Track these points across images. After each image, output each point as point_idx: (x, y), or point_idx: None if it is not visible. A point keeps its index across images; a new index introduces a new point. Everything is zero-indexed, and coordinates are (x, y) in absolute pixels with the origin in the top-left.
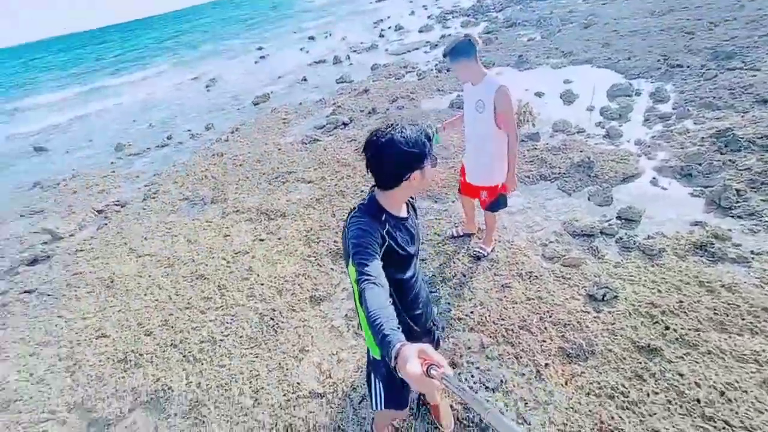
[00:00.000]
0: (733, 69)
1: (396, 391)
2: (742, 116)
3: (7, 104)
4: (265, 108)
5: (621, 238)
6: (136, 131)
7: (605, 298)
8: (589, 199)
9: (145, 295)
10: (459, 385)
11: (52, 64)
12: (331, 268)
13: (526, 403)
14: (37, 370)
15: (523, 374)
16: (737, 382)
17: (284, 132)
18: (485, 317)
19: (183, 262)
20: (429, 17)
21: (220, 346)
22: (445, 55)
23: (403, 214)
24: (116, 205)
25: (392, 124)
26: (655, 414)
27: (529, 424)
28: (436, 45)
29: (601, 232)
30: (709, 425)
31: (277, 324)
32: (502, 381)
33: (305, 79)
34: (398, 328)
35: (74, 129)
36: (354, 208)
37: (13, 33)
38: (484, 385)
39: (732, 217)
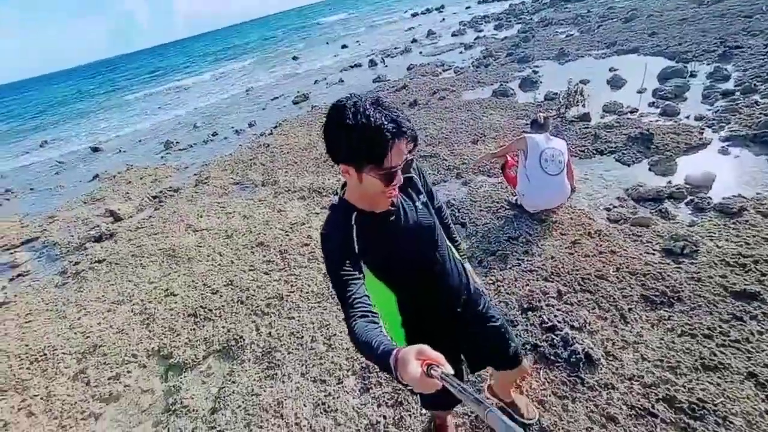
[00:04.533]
0: None
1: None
2: None
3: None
4: (305, 106)
5: (693, 201)
6: (182, 132)
7: (684, 252)
8: (650, 169)
9: (207, 261)
10: (459, 383)
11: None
12: None
13: (614, 343)
14: (115, 323)
15: (606, 318)
16: None
17: None
18: (558, 268)
19: (241, 233)
20: (461, 23)
21: (287, 301)
22: None
23: (383, 207)
24: (170, 190)
25: (359, 98)
26: (763, 351)
27: (621, 360)
28: (470, 46)
29: (670, 197)
30: None
31: None
32: (586, 321)
33: (342, 81)
34: (387, 337)
35: (125, 134)
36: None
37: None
38: (567, 323)
39: None
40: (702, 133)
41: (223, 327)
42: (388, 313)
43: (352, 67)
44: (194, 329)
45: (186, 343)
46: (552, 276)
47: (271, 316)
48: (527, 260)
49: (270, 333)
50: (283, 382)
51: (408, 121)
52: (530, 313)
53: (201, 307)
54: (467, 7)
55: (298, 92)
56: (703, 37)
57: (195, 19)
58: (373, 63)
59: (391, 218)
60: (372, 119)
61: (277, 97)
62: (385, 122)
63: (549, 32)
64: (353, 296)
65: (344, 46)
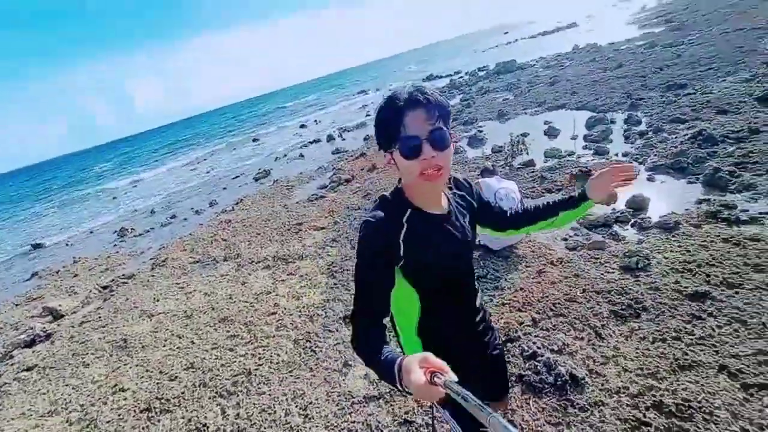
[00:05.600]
0: (689, 95)
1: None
2: (710, 123)
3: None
4: (266, 182)
5: (636, 222)
6: (138, 218)
7: (639, 266)
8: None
9: (164, 346)
10: (462, 391)
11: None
12: None
13: (594, 360)
14: None
15: (582, 338)
16: None
17: (289, 196)
18: (529, 298)
19: (202, 311)
20: None
21: (255, 375)
22: None
23: (439, 210)
24: (123, 278)
25: (420, 87)
26: (727, 343)
27: (605, 376)
28: None
29: (616, 221)
30: None
31: (314, 345)
32: (564, 344)
33: (302, 156)
34: (392, 349)
35: (74, 229)
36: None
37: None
38: (547, 347)
39: (731, 192)
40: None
41: (183, 417)
42: (408, 318)
43: (311, 143)
44: (147, 427)
45: None
46: (524, 306)
47: (238, 396)
48: (498, 294)
49: (238, 414)
50: None
51: (432, 95)
52: (509, 344)
53: (156, 398)
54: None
55: (260, 169)
56: (613, 93)
57: (155, 114)
58: (331, 138)
59: (444, 222)
60: (392, 95)
61: (238, 176)
62: (400, 93)
63: (488, 98)
64: (373, 305)
65: (303, 126)
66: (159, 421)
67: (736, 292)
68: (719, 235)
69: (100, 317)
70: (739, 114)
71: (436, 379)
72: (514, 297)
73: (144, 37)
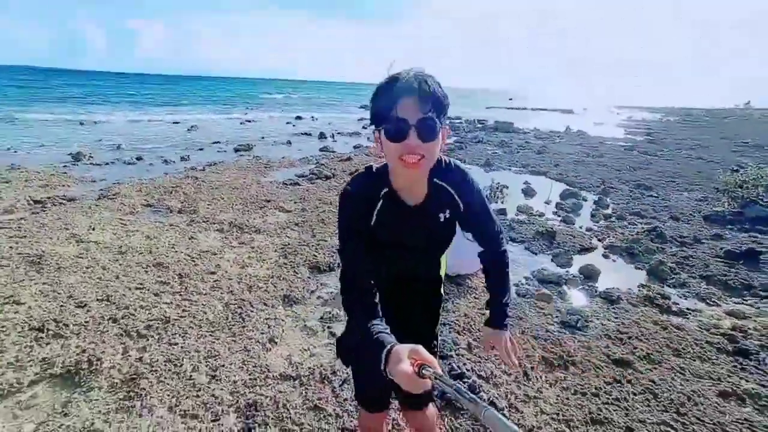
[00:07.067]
0: (652, 196)
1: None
2: (664, 223)
3: None
4: (247, 155)
5: (584, 288)
6: (101, 147)
7: (578, 325)
8: (552, 260)
9: (84, 273)
10: (453, 383)
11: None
12: (308, 277)
13: (516, 396)
14: None
15: (510, 374)
16: (700, 390)
17: (265, 174)
18: (470, 324)
19: (138, 251)
20: None
21: (173, 325)
22: None
23: (413, 200)
24: (61, 198)
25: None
26: (637, 409)
27: (522, 412)
28: None
29: (566, 282)
30: (683, 419)
31: (245, 313)
32: (492, 374)
33: (289, 143)
34: (390, 333)
35: (28, 133)
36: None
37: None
38: (475, 372)
39: (668, 285)
40: (591, 240)
41: (78, 346)
42: None
43: (302, 134)
44: (31, 347)
45: (9, 363)
46: (464, 330)
47: (147, 339)
48: (442, 315)
49: (141, 358)
50: (141, 415)
51: (431, 86)
52: (440, 360)
53: (54, 320)
54: None
55: (242, 143)
56: (590, 176)
57: (155, 59)
58: (323, 135)
59: (414, 215)
60: (395, 75)
61: (218, 142)
62: (402, 77)
63: (479, 147)
64: (359, 273)
65: (299, 117)
66: (48, 344)
67: (655, 368)
68: (651, 317)
69: (20, 227)
70: (688, 223)
71: (424, 371)
72: (457, 320)
73: None
